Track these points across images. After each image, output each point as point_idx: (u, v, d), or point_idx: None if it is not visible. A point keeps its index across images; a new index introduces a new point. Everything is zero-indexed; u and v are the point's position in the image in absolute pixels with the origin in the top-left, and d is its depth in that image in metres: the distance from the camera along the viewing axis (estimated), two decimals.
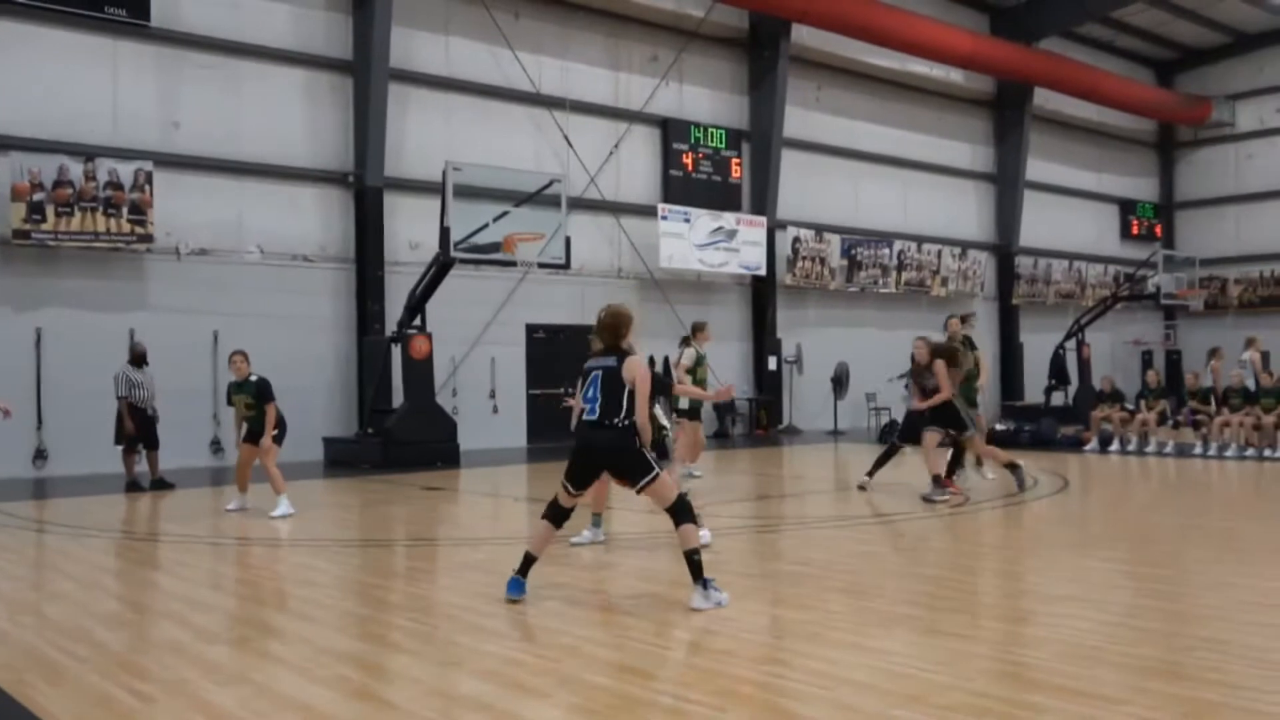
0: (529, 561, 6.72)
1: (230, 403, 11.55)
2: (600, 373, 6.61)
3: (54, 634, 5.97)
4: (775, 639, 5.87)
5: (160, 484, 13.55)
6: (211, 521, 11.12)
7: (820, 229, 24.95)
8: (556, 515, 6.78)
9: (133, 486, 13.39)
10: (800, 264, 24.46)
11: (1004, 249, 29.46)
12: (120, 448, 13.53)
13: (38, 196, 15.30)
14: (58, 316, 15.69)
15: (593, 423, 6.52)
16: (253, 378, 11.27)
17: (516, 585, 6.65)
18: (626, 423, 6.47)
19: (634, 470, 6.53)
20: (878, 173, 26.46)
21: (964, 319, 13.21)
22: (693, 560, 6.36)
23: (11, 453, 15.11)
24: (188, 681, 4.97)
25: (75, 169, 15.60)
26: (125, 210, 15.91)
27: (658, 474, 6.52)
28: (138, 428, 13.34)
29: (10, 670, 5.19)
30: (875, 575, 7.46)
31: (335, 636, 5.96)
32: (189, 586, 7.51)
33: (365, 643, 5.83)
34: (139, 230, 16.04)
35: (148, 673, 5.15)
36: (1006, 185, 29.32)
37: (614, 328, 6.79)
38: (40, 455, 15.47)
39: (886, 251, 26.21)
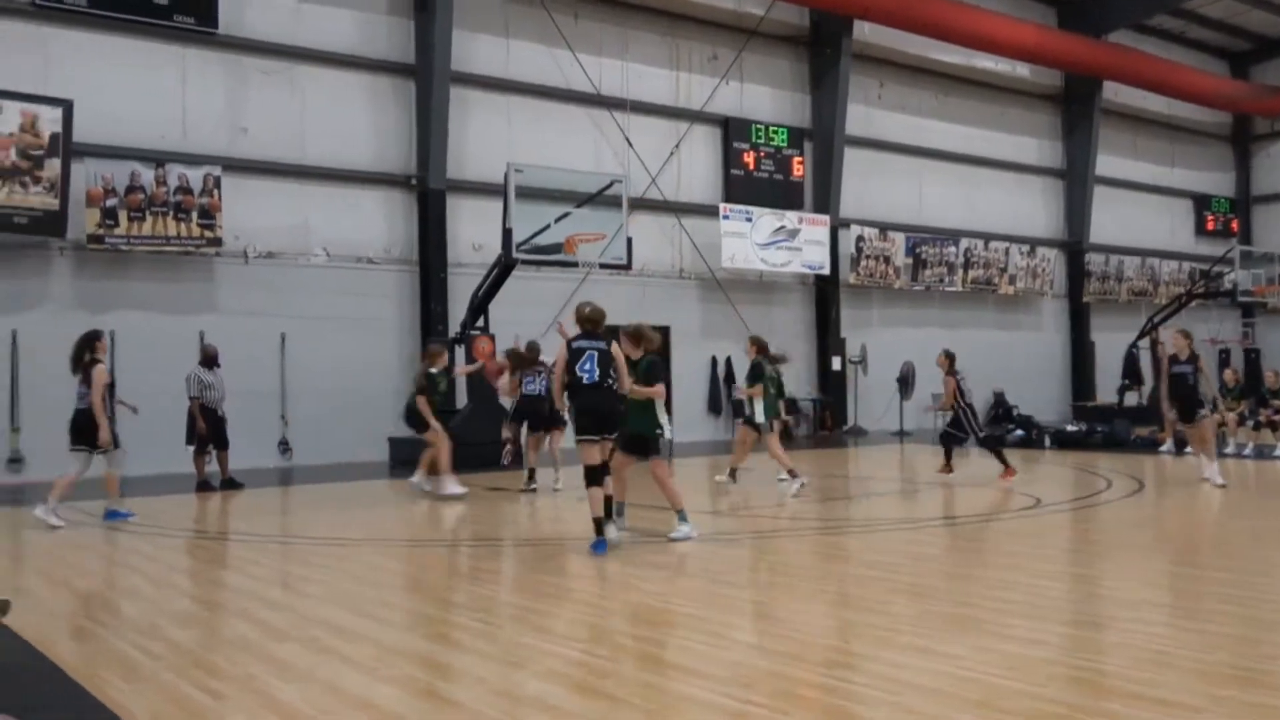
0: (600, 523, 8.54)
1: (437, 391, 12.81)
2: (595, 352, 8.69)
3: (129, 631, 6.12)
4: (840, 642, 5.83)
5: (230, 484, 13.82)
6: (280, 520, 11.30)
7: (884, 227, 24.74)
8: (599, 474, 8.59)
9: (204, 486, 13.67)
10: (864, 263, 24.27)
11: (1074, 246, 28.96)
12: (192, 448, 13.81)
13: (110, 202, 15.69)
14: (130, 319, 16.07)
15: (594, 385, 8.63)
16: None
17: (601, 546, 8.41)
18: (614, 386, 8.71)
19: (614, 424, 8.74)
20: (943, 170, 26.17)
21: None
22: (597, 521, 8.49)
23: None
24: (256, 678, 5.07)
25: (146, 175, 15.98)
26: (195, 215, 16.26)
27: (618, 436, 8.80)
28: (209, 428, 13.62)
29: (88, 667, 5.33)
30: (942, 578, 7.38)
31: (401, 636, 6.04)
32: (258, 585, 7.66)
33: (431, 642, 5.89)
34: (208, 234, 16.38)
35: (219, 670, 5.26)
36: (1075, 181, 28.82)
37: (598, 321, 8.83)
38: (15, 459, 15.36)
39: (953, 249, 25.91)
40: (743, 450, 13.73)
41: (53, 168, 15.02)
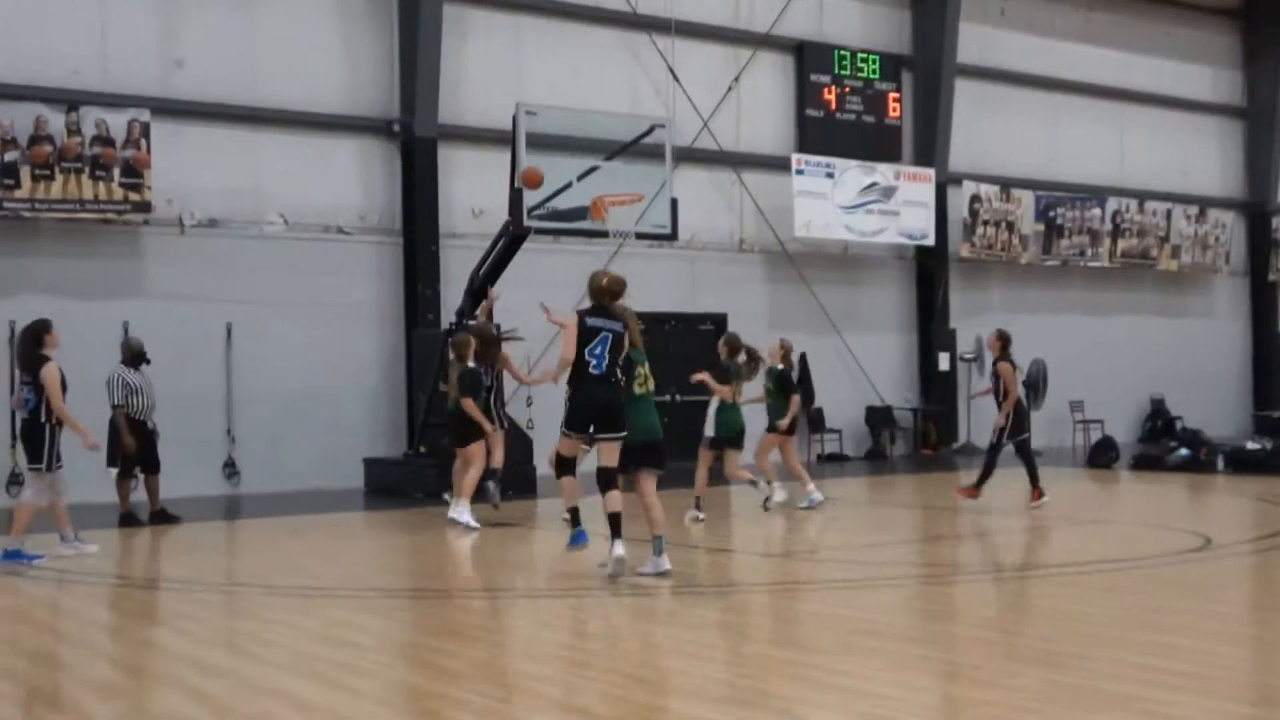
0: (576, 513, 9.82)
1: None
2: (610, 335, 9.16)
3: (35, 704, 6.21)
4: None
5: (163, 516, 13.97)
6: (225, 563, 11.42)
7: (1007, 184, 24.61)
8: (568, 466, 9.56)
9: (128, 519, 13.81)
10: (981, 230, 24.16)
11: (1258, 207, 28.67)
12: (114, 471, 13.96)
13: (10, 156, 15.87)
14: (34, 304, 16.14)
15: (599, 377, 9.14)
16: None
17: (581, 536, 9.83)
18: (619, 380, 9.27)
19: (618, 424, 9.28)
20: (1085, 108, 26.00)
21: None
22: (613, 519, 9.29)
23: None
24: None
25: (56, 121, 16.16)
26: (117, 172, 16.43)
27: (625, 435, 9.35)
28: (137, 446, 13.74)
29: None
30: (1080, 641, 7.34)
31: (382, 713, 6.09)
32: (196, 646, 7.74)
33: None
34: (134, 197, 16.56)
35: None
36: (1261, 121, 28.53)
37: (616, 293, 9.36)
38: (15, 480, 15.88)
39: (1097, 212, 25.74)
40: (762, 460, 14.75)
41: None
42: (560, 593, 9.65)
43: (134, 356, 14.03)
